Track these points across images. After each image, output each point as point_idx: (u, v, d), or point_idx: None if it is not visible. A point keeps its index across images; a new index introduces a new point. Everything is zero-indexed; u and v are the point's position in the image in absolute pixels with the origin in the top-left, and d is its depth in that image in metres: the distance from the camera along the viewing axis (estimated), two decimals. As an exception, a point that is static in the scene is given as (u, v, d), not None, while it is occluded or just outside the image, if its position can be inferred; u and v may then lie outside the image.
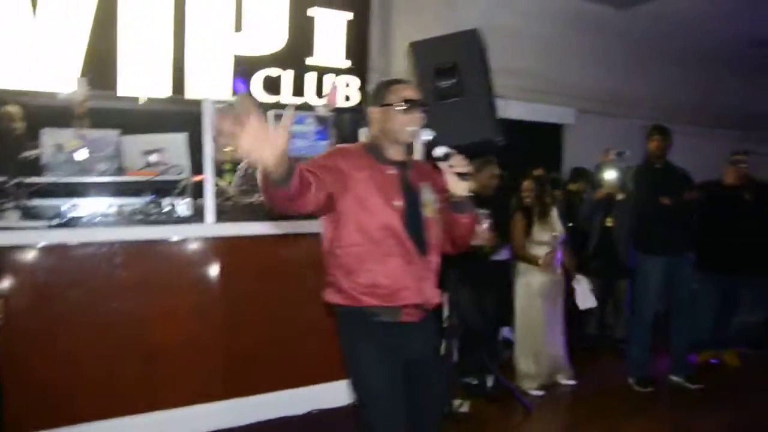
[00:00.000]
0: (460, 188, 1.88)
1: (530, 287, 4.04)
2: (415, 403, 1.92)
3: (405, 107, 1.88)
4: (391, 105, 1.89)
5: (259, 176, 1.54)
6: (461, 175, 1.86)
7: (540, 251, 3.99)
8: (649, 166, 4.16)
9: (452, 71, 3.57)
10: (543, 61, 6.10)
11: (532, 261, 3.98)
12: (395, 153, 1.95)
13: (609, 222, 4.71)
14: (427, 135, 1.93)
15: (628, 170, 4.61)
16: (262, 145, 1.41)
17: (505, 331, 4.45)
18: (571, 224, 4.68)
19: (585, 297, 4.13)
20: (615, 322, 5.14)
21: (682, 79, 7.16)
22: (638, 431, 3.43)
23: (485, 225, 3.93)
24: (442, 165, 1.89)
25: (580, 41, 6.28)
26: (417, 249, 1.87)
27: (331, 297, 1.90)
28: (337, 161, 1.84)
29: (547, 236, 4.02)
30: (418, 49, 3.71)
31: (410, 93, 1.92)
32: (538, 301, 4.02)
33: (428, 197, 1.96)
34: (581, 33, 6.18)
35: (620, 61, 6.63)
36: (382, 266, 1.83)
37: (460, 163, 1.86)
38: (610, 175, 4.80)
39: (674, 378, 4.17)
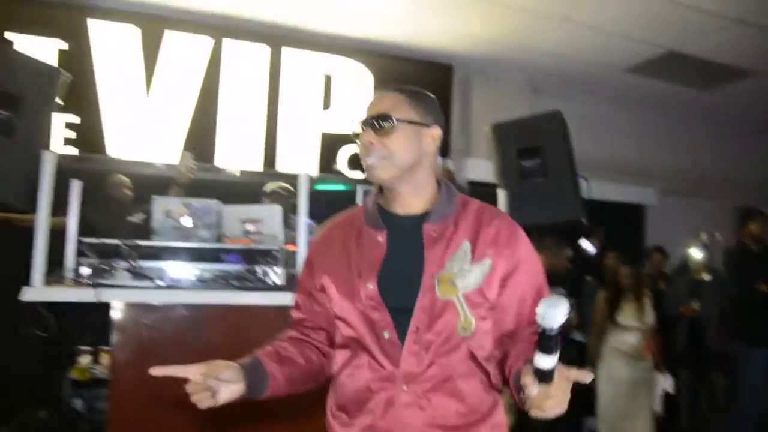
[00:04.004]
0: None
1: (615, 375, 3.86)
2: None
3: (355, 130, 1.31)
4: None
5: None
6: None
7: (628, 337, 3.84)
8: (743, 249, 3.98)
9: (536, 151, 3.64)
10: (624, 142, 6.09)
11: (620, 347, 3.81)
12: (409, 202, 1.29)
13: (696, 306, 4.49)
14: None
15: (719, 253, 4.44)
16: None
17: (590, 422, 4.22)
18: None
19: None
20: (710, 415, 4.77)
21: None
22: None
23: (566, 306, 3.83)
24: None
25: (662, 122, 6.26)
26: (397, 355, 1.17)
27: None
28: (313, 260, 1.36)
29: (636, 322, 3.87)
30: (501, 129, 3.82)
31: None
32: (623, 391, 3.81)
33: (455, 267, 1.20)
34: (663, 114, 6.17)
35: (703, 141, 6.54)
36: (348, 383, 1.25)
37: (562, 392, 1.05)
38: (696, 254, 4.63)
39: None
